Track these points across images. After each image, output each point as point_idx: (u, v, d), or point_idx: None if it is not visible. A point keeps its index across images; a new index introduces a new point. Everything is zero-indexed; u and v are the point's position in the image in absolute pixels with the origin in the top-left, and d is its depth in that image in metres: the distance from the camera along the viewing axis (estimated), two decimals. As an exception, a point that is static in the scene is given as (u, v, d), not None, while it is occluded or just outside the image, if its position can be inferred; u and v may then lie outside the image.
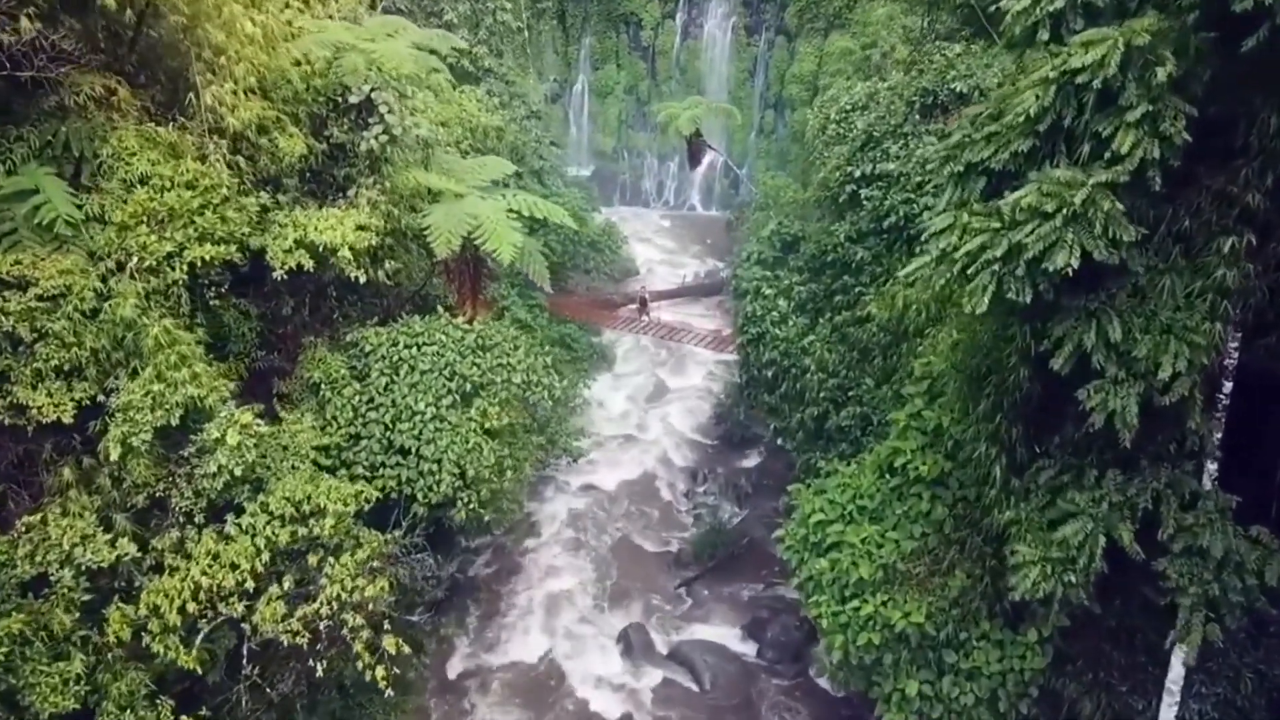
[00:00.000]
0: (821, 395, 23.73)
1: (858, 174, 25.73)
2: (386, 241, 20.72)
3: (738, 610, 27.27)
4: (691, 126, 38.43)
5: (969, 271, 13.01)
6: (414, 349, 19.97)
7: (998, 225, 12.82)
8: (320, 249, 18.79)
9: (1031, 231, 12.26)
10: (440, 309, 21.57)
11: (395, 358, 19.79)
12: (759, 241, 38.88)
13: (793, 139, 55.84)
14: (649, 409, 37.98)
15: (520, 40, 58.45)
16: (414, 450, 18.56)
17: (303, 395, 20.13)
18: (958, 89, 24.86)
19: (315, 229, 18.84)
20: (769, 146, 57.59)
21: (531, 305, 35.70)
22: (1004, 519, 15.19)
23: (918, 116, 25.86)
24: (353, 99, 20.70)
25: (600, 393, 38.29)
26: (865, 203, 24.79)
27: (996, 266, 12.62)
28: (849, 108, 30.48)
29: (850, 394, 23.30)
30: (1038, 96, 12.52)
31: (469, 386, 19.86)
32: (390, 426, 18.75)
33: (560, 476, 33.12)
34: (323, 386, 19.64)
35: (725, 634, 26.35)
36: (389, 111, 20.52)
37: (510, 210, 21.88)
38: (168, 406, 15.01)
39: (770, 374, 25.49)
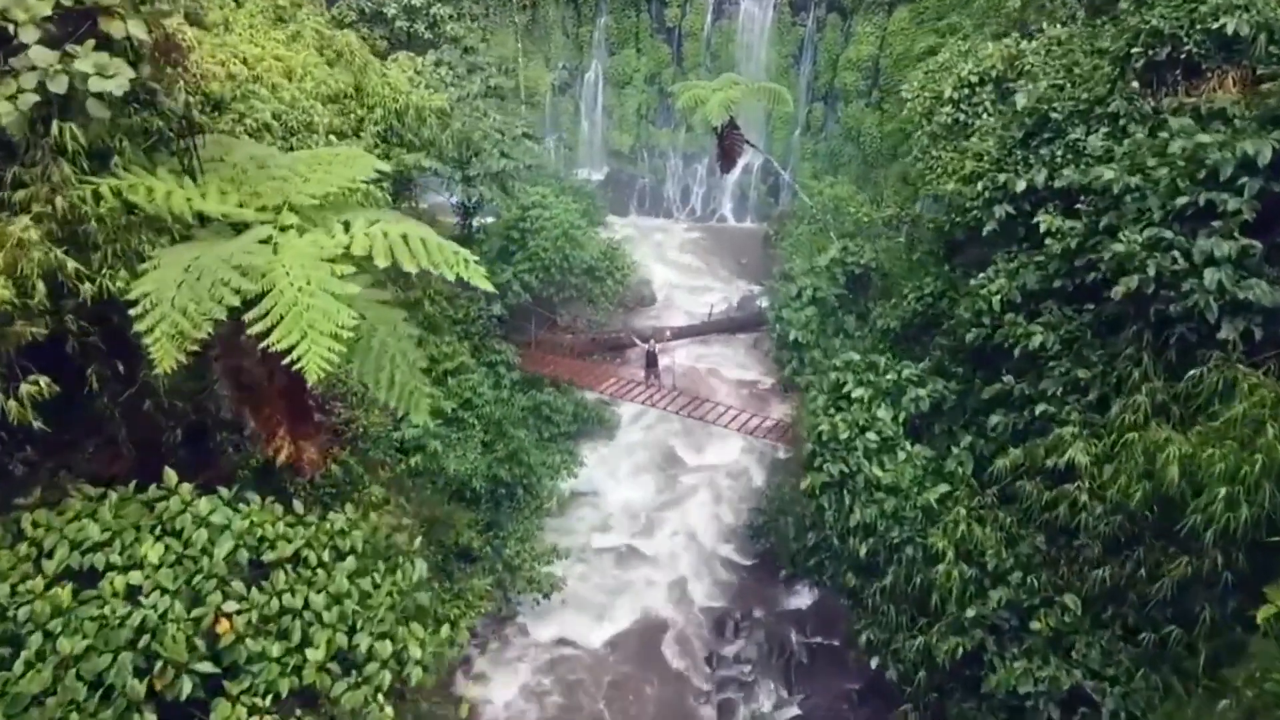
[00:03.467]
0: (968, 615, 11.56)
1: (1020, 187, 13.44)
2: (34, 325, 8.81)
3: None
4: (724, 114, 26.26)
5: None
6: (54, 592, 8.04)
7: None
8: None
9: None
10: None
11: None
12: (814, 273, 26.77)
13: (846, 137, 43.39)
14: (660, 502, 25.84)
15: (522, 20, 46.61)
16: None
17: None
18: (1224, 28, 12.48)
19: None
20: (815, 147, 44.94)
21: (494, 363, 23.76)
22: None
23: (1136, 84, 13.49)
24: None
25: (593, 476, 26.18)
26: (1049, 242, 12.54)
27: None
28: (974, 79, 18.13)
29: (1033, 625, 11.12)
30: None
31: (186, 679, 7.92)
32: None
33: (520, 618, 21.23)
34: None
35: None
36: (41, 40, 8.65)
37: (351, 256, 9.85)
38: None
39: (864, 549, 13.21)
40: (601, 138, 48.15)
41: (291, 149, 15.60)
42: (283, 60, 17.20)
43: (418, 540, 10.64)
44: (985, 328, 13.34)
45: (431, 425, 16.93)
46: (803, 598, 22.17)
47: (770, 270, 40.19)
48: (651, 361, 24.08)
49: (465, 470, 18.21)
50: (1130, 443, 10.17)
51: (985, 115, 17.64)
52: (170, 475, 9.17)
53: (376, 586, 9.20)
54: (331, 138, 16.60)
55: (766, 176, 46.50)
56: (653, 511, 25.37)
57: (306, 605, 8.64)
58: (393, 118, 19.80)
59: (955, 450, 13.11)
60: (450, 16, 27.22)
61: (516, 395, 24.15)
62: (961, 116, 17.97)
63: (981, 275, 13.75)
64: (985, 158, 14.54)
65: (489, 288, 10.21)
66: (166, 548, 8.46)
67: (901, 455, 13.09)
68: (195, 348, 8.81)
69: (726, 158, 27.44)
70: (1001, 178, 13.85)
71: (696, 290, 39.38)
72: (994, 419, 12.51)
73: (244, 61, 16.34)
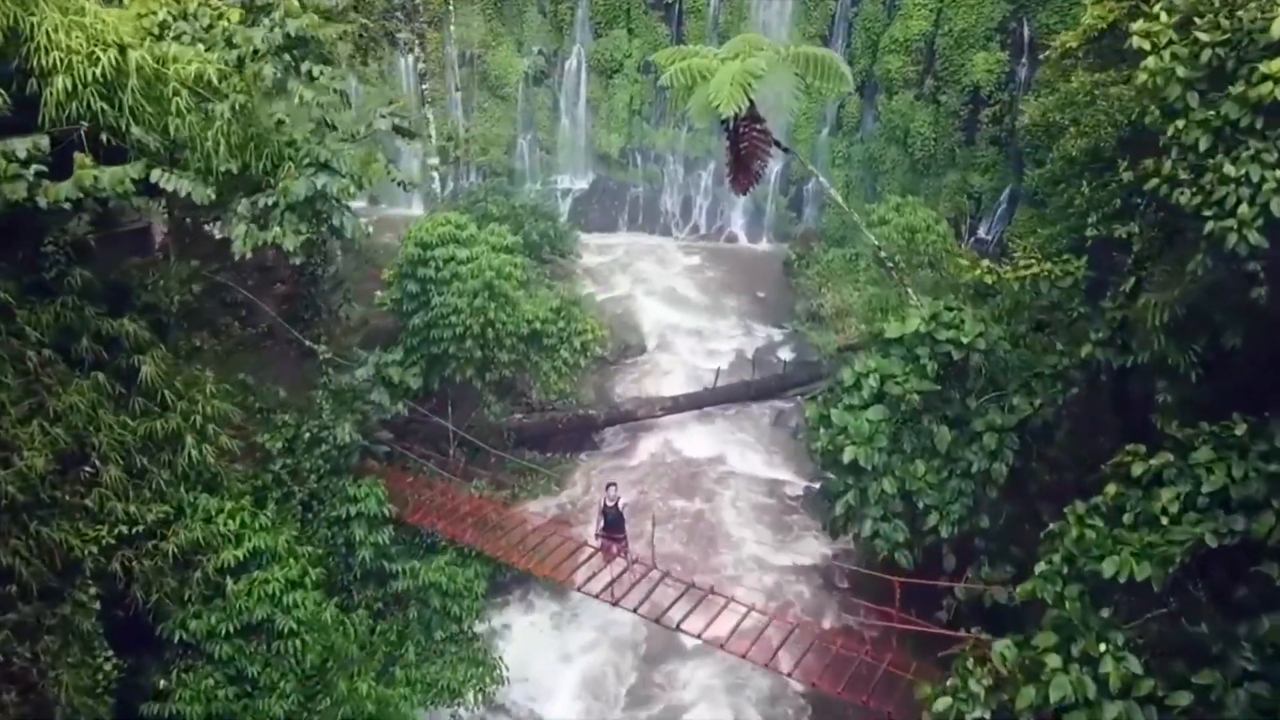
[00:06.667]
0: None
1: None
2: None
3: None
4: (739, 100, 15.57)
5: None
6: None
7: None
8: None
9: None
10: None
11: None
12: (877, 349, 15.88)
13: (888, 139, 32.52)
14: None
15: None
16: None
17: None
18: None
19: None
20: (849, 150, 34.05)
21: (344, 519, 13.19)
22: None
23: None
24: None
25: (528, 669, 15.65)
26: None
27: None
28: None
29: None
30: None
31: None
32: None
33: None
34: None
35: None
36: None
37: None
38: None
39: None
40: (585, 138, 37.52)
41: None
42: None
43: None
44: None
45: None
46: None
47: (794, 308, 29.56)
48: (613, 522, 13.20)
49: None
50: None
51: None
52: None
53: None
54: None
55: (787, 185, 35.70)
56: (621, 743, 14.81)
57: None
58: (90, 94, 9.20)
59: None
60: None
61: (392, 561, 13.56)
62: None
63: None
64: None
65: None
66: None
67: None
68: None
69: (742, 167, 16.58)
70: None
71: (699, 335, 28.86)
72: None
73: None
